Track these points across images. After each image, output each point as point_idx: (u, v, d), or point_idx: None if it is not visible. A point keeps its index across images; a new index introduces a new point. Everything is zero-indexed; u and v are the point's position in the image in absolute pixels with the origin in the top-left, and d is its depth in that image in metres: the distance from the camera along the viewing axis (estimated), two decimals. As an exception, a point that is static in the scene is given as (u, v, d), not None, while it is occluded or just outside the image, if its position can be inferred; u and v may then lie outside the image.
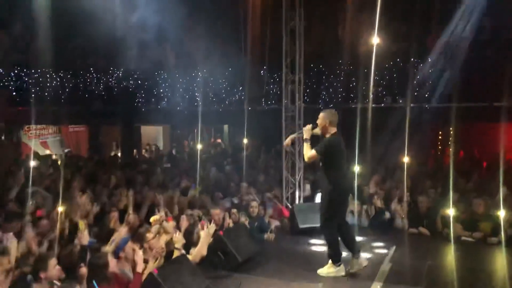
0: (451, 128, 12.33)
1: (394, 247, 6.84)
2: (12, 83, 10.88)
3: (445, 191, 7.90)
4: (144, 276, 4.75)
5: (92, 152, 15.23)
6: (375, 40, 8.45)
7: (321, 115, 5.61)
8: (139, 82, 13.22)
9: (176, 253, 5.56)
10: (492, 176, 9.12)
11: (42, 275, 4.31)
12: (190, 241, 6.06)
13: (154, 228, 5.82)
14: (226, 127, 17.17)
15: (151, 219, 6.12)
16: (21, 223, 5.97)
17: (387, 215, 8.12)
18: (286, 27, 8.23)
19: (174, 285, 4.70)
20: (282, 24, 8.20)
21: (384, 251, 6.72)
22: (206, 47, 12.86)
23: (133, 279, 4.72)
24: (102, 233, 6.02)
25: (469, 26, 10.13)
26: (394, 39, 10.72)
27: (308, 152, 5.50)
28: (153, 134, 18.28)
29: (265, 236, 7.31)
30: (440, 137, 13.05)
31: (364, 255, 6.00)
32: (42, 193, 7.52)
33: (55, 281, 4.41)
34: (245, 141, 10.93)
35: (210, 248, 6.06)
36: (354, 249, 5.70)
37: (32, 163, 9.03)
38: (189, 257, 5.56)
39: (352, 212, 8.12)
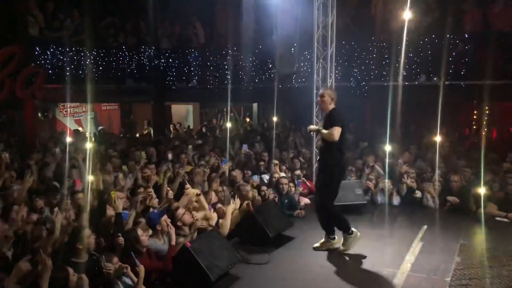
0: (486, 107, 11.99)
1: (425, 227, 6.78)
2: (48, 61, 11.11)
3: (479, 171, 7.73)
4: (177, 249, 4.88)
5: (124, 130, 15.58)
6: (407, 15, 8.25)
7: (323, 92, 5.81)
8: (170, 60, 13.31)
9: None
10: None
11: (79, 245, 4.47)
12: (220, 217, 6.19)
13: (188, 203, 5.96)
14: (255, 105, 17.16)
15: (190, 192, 6.20)
16: (59, 196, 6.25)
17: (418, 194, 8.03)
18: (317, 1, 8.08)
19: (207, 258, 4.81)
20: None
21: (415, 230, 6.66)
22: (236, 25, 12.83)
23: (167, 251, 4.85)
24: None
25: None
26: (428, 15, 10.37)
27: (332, 131, 5.38)
28: (183, 112, 18.48)
29: (295, 213, 7.37)
30: (475, 116, 12.70)
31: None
32: (80, 166, 7.75)
33: (92, 251, 4.59)
34: (274, 119, 10.92)
35: (241, 224, 6.19)
36: (331, 229, 5.86)
37: (68, 139, 9.33)
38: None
39: (383, 190, 8.07)
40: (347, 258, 5.60)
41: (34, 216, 5.48)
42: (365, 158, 9.27)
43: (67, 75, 11.04)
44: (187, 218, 5.51)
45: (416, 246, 5.98)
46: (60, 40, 11.24)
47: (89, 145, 8.12)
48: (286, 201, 7.57)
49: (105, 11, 12.67)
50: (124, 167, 8.28)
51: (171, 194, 6.52)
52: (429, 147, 10.04)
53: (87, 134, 13.13)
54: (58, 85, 11.05)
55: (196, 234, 5.54)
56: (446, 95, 9.32)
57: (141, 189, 6.36)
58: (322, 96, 5.70)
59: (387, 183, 8.04)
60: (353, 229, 5.75)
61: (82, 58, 11.65)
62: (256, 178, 8.43)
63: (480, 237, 6.52)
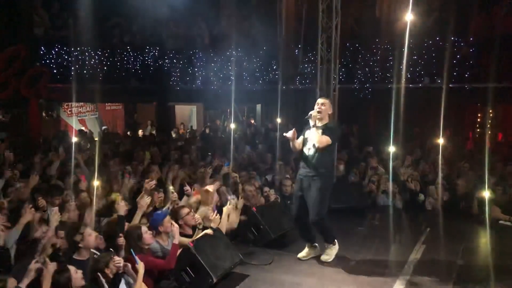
0: (490, 110, 11.97)
1: (428, 229, 6.75)
2: (53, 60, 11.16)
3: (483, 174, 7.71)
4: (180, 248, 4.88)
5: (127, 130, 15.62)
6: (409, 16, 8.25)
7: (324, 100, 5.38)
8: (175, 61, 13.34)
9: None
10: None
11: (80, 244, 4.48)
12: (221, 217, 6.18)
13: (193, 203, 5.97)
14: (259, 106, 17.16)
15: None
16: (62, 196, 6.26)
17: (422, 197, 8.01)
18: (322, 3, 8.09)
19: (209, 258, 4.82)
20: (319, 1, 8.07)
21: (418, 232, 6.64)
22: (240, 26, 12.86)
23: (170, 250, 4.85)
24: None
25: None
26: (431, 16, 10.38)
27: (323, 138, 5.13)
28: (186, 113, 18.49)
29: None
30: (479, 119, 12.67)
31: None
32: (82, 167, 7.78)
33: (93, 250, 4.59)
34: (278, 120, 10.92)
35: (244, 224, 6.19)
36: (313, 238, 5.63)
37: (74, 139, 9.36)
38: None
39: (386, 192, 8.06)
40: (349, 260, 5.58)
41: (36, 215, 5.49)
42: (368, 160, 9.25)
43: (71, 75, 11.10)
44: (190, 218, 5.51)
45: (419, 249, 5.96)
46: (65, 39, 11.28)
47: (93, 145, 8.15)
48: (289, 202, 7.55)
49: (110, 11, 12.70)
50: (128, 167, 8.28)
51: (175, 195, 6.53)
52: (432, 150, 10.03)
53: (93, 134, 13.17)
54: (63, 85, 11.10)
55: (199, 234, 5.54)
56: (450, 98, 9.32)
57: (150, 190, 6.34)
58: (323, 104, 5.32)
59: (390, 185, 8.02)
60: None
61: (87, 58, 11.69)
62: (258, 179, 8.43)
63: (483, 240, 6.50)
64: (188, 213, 5.54)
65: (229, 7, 14.01)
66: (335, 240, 5.52)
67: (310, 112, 5.33)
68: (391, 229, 7.02)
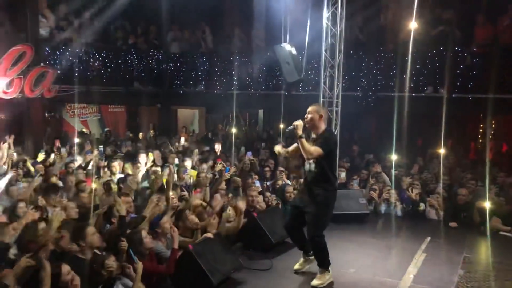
0: (493, 121, 11.97)
1: (428, 239, 6.75)
2: (57, 61, 11.19)
3: (484, 184, 7.71)
4: (180, 252, 4.88)
5: (129, 132, 15.64)
6: (413, 25, 8.28)
7: (313, 108, 5.01)
8: (178, 64, 13.38)
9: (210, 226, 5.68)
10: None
11: (82, 243, 4.48)
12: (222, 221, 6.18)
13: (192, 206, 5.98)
14: (261, 112, 17.18)
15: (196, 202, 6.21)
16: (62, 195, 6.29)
17: (422, 206, 8.01)
18: (327, 11, 8.12)
19: (209, 261, 4.81)
20: (324, 8, 8.10)
21: (419, 241, 6.63)
22: (244, 30, 12.91)
23: (170, 254, 4.85)
24: (141, 209, 6.20)
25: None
26: (436, 26, 10.41)
27: (311, 148, 4.79)
28: (189, 116, 18.52)
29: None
30: (481, 130, 12.66)
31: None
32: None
33: (96, 251, 4.59)
34: (281, 126, 10.93)
35: (244, 229, 6.18)
36: (308, 248, 5.32)
37: (76, 140, 9.40)
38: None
39: (387, 201, 8.06)
40: (348, 268, 5.57)
41: (36, 215, 5.50)
42: (370, 167, 9.26)
43: (75, 76, 11.14)
44: (191, 221, 5.52)
45: (419, 258, 5.96)
46: (70, 41, 11.34)
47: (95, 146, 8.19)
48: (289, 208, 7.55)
49: (115, 14, 12.76)
50: (129, 169, 8.31)
51: (175, 199, 6.54)
52: (434, 159, 10.03)
53: (95, 135, 13.20)
54: (67, 86, 11.13)
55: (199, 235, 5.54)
56: (453, 108, 9.33)
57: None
58: (309, 112, 4.96)
59: (392, 193, 8.03)
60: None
61: (91, 59, 11.73)
62: (258, 184, 8.43)
63: (484, 251, 6.49)
64: (188, 216, 5.55)
65: (233, 12, 14.07)
66: (329, 267, 5.08)
67: (295, 122, 4.85)
68: (391, 237, 7.02)
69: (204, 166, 9.18)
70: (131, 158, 9.48)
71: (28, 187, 6.42)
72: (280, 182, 8.23)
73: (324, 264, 5.07)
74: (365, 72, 10.92)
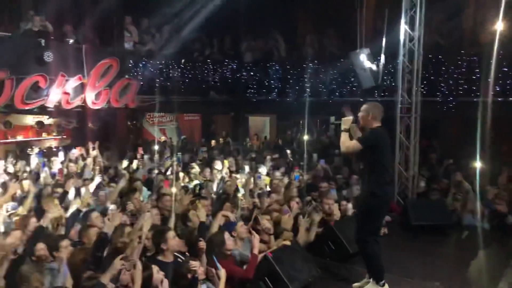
0: None
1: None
2: (140, 73, 11.85)
3: None
4: (259, 257, 4.95)
5: (204, 140, 16.15)
6: (499, 26, 7.79)
7: (364, 107, 4.92)
8: (252, 73, 13.65)
9: (285, 234, 5.71)
10: None
11: (163, 246, 4.67)
12: (298, 226, 6.18)
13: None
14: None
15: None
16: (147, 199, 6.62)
17: (511, 219, 7.47)
18: (405, 15, 7.91)
19: (287, 268, 4.83)
20: (401, 11, 7.89)
21: (507, 256, 6.19)
22: (318, 37, 12.88)
23: (249, 259, 4.93)
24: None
25: None
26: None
27: (347, 141, 4.81)
28: (260, 124, 18.76)
29: (378, 230, 7.16)
30: None
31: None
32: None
33: (178, 254, 4.78)
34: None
35: (321, 237, 6.14)
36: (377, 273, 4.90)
37: (156, 147, 9.90)
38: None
39: (472, 212, 7.62)
40: (434, 280, 5.32)
41: (124, 218, 5.85)
42: (452, 176, 8.82)
43: (156, 87, 11.74)
44: (269, 225, 5.60)
45: (509, 274, 5.57)
46: (151, 53, 11.97)
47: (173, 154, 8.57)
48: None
49: (192, 27, 13.28)
50: (206, 175, 8.58)
51: (250, 203, 6.67)
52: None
53: (173, 143, 13.77)
54: (148, 96, 11.75)
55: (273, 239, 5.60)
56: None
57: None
58: (360, 111, 4.93)
59: (478, 205, 7.56)
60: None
61: (170, 71, 12.30)
62: (333, 192, 8.34)
63: None
64: (262, 221, 5.63)
65: (305, 19, 14.09)
66: (383, 282, 4.78)
67: (344, 118, 4.97)
68: (477, 250, 6.62)
69: (277, 173, 9.27)
70: (207, 164, 9.78)
71: (114, 192, 6.85)
72: (356, 191, 8.08)
73: (373, 274, 4.83)
74: (445, 77, 10.44)
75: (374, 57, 9.02)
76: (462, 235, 7.30)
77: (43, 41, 9.44)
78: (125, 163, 9.68)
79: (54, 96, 9.52)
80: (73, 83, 9.79)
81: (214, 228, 5.45)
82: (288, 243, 5.32)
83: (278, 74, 13.38)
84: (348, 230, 6.12)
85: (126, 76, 10.93)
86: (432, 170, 9.96)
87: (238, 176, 8.10)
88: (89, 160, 8.88)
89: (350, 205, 7.25)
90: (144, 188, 7.61)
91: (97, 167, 8.89)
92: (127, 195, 6.80)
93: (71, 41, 10.31)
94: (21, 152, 10.37)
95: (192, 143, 14.98)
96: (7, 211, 5.73)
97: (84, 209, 6.02)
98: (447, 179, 8.83)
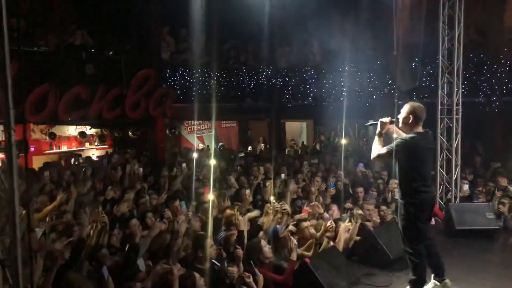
0: None
1: None
2: (177, 82, 12.07)
3: None
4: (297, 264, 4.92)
5: (241, 147, 16.26)
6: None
7: (406, 107, 4.66)
8: (287, 79, 13.64)
9: (325, 242, 5.65)
10: None
11: (200, 253, 4.72)
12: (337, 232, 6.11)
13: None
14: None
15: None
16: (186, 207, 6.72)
17: None
18: (443, 13, 7.70)
19: (326, 275, 4.80)
20: (439, 10, 7.69)
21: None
22: (353, 41, 12.73)
23: (287, 266, 4.92)
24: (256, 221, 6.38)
25: None
26: None
27: (378, 148, 4.64)
28: (297, 129, 18.71)
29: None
30: None
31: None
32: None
33: (214, 261, 4.81)
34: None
35: (360, 243, 6.04)
36: (440, 271, 4.79)
37: (194, 155, 10.03)
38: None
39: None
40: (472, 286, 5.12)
41: (163, 225, 5.95)
42: (497, 179, 8.48)
43: (193, 95, 11.94)
44: (311, 232, 5.56)
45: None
46: (187, 63, 12.18)
47: (211, 161, 8.64)
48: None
49: (227, 35, 13.44)
50: (243, 181, 8.61)
51: (289, 210, 6.63)
52: None
53: (211, 150, 13.93)
54: (185, 104, 11.95)
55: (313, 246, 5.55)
56: None
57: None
58: (401, 111, 4.72)
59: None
60: None
61: (207, 79, 12.47)
62: (372, 198, 8.19)
63: None
64: (306, 227, 5.60)
65: (340, 23, 13.95)
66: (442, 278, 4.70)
67: (381, 119, 4.80)
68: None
69: (318, 178, 9.18)
70: (245, 171, 9.83)
71: (155, 199, 7.00)
72: (396, 196, 7.90)
73: (412, 282, 4.64)
74: (487, 76, 10.07)
75: (412, 58, 8.85)
76: (509, 240, 7.00)
77: (84, 54, 9.78)
78: (164, 170, 9.84)
79: (95, 107, 9.84)
80: (113, 93, 10.08)
81: (253, 235, 5.47)
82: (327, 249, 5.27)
83: (313, 79, 13.30)
84: (388, 236, 6.02)
85: (164, 86, 11.15)
86: (476, 173, 9.60)
87: (275, 182, 8.06)
88: (129, 168, 9.10)
89: (389, 210, 7.10)
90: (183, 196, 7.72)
91: (136, 175, 9.08)
92: (166, 203, 6.93)
93: (110, 53, 10.64)
94: (65, 162, 10.74)
95: (229, 150, 15.10)
96: (52, 220, 5.94)
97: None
98: (494, 182, 8.50)
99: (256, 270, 4.44)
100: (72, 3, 11.87)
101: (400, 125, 4.76)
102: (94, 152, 13.68)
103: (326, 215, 6.50)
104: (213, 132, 16.27)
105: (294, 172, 9.69)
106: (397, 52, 8.13)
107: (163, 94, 11.02)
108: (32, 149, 11.51)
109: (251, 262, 4.58)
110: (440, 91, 7.83)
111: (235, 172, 9.39)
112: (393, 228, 6.36)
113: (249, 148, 14.78)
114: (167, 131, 14.47)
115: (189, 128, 15.87)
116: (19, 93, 8.33)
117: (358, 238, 6.06)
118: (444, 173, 8.21)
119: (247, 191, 7.71)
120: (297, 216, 6.39)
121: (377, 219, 6.78)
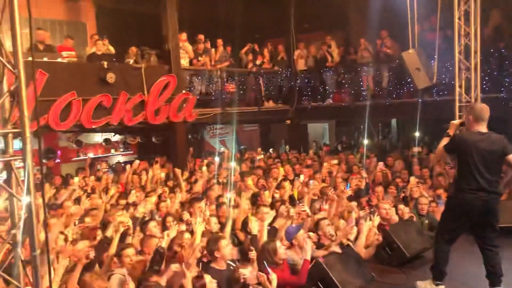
0: None
1: None
2: (196, 87, 12.25)
3: None
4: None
5: (262, 149, 16.32)
6: None
7: (467, 108, 5.05)
8: (306, 80, 13.71)
9: (345, 242, 5.68)
10: None
11: (216, 254, 4.82)
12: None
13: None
14: (394, 121, 16.56)
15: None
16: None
17: None
18: (459, 9, 7.63)
19: (340, 274, 4.83)
20: (454, 6, 7.62)
21: None
22: (370, 40, 12.69)
23: (302, 265, 4.97)
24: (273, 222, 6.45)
25: None
26: None
27: (439, 146, 4.93)
28: (319, 130, 18.67)
29: (436, 234, 6.90)
30: None
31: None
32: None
33: (230, 262, 4.91)
34: (417, 134, 10.46)
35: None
36: (494, 278, 4.70)
37: (216, 159, 10.20)
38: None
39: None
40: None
41: (182, 226, 6.09)
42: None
43: (212, 100, 12.13)
44: (332, 232, 5.61)
45: None
46: (206, 67, 12.39)
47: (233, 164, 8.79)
48: (426, 221, 7.15)
49: (245, 39, 13.59)
50: (263, 183, 8.71)
51: (307, 211, 6.67)
52: None
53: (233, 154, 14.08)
54: (205, 109, 12.15)
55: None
56: None
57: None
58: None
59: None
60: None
61: (225, 83, 12.65)
62: (392, 196, 8.14)
63: None
64: (327, 225, 5.65)
65: (357, 22, 13.94)
66: (439, 283, 4.82)
67: (452, 121, 5.05)
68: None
69: (338, 179, 9.17)
70: (264, 173, 9.92)
71: (173, 203, 7.17)
72: (416, 194, 7.83)
73: (434, 272, 4.88)
74: (509, 71, 9.87)
75: (428, 56, 8.76)
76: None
77: (106, 63, 10.08)
78: (185, 174, 10.05)
79: (117, 114, 10.11)
80: (134, 101, 10.35)
81: (270, 236, 5.53)
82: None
83: (332, 80, 13.33)
84: (404, 234, 6.00)
85: (184, 91, 11.36)
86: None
87: (294, 183, 8.12)
88: (151, 173, 9.33)
89: (407, 209, 7.05)
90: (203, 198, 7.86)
91: (158, 179, 9.31)
92: (187, 205, 7.08)
93: (131, 61, 10.91)
94: (91, 168, 11.06)
95: (251, 152, 15.20)
96: (75, 224, 6.16)
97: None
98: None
99: (269, 269, 4.51)
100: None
101: (466, 126, 4.92)
102: (119, 158, 14.04)
103: (346, 215, 6.53)
104: (234, 136, 16.43)
105: (314, 173, 9.71)
106: (413, 50, 8.06)
107: (184, 99, 11.22)
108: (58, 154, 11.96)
109: (264, 262, 4.65)
110: (457, 88, 7.73)
111: (255, 175, 9.49)
112: (410, 227, 6.35)
113: (270, 150, 14.85)
114: (190, 136, 14.71)
115: (212, 133, 16.08)
116: (46, 102, 8.79)
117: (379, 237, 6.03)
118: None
119: (266, 192, 7.80)
120: (317, 216, 6.42)
121: (394, 217, 6.74)
